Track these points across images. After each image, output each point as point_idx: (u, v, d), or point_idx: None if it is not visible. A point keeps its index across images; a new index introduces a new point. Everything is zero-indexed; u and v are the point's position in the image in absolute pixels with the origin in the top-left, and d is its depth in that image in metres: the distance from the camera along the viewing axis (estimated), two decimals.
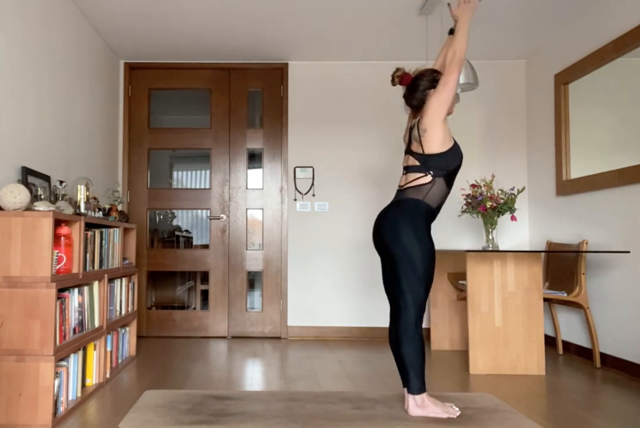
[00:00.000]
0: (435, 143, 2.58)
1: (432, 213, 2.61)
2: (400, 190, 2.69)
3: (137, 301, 4.42)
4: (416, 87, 2.67)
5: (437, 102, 2.55)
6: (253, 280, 4.99)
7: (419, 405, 2.55)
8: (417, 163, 2.63)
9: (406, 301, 2.54)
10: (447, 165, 2.61)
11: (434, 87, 2.62)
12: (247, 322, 4.89)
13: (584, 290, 3.69)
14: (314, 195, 4.91)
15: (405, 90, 2.73)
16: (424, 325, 4.81)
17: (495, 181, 4.93)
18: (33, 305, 2.43)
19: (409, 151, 2.70)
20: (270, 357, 4.00)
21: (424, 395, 2.56)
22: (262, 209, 4.96)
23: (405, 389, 2.58)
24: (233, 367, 3.66)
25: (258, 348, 4.38)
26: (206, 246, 4.98)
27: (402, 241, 2.54)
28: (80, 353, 2.90)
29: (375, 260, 4.89)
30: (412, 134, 2.68)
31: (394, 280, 2.58)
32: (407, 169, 2.68)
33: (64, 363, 2.68)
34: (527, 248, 4.89)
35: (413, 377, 2.53)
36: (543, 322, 3.48)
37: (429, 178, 2.60)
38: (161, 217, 5.05)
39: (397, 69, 2.70)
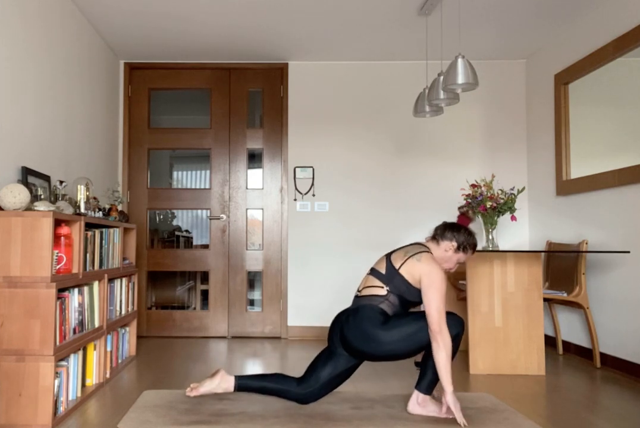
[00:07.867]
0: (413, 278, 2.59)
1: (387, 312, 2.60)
2: (357, 297, 2.69)
3: (137, 301, 4.43)
4: (443, 235, 2.67)
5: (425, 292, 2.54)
6: (253, 280, 4.99)
7: (419, 402, 2.60)
8: (383, 272, 2.63)
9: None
10: (407, 294, 2.60)
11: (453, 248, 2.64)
12: (247, 322, 4.89)
13: (584, 290, 3.69)
14: (314, 195, 4.91)
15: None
16: None
17: (495, 181, 4.93)
18: (33, 305, 2.43)
19: (386, 256, 2.70)
20: (270, 357, 4.00)
21: (429, 397, 2.62)
22: (262, 209, 4.96)
23: (415, 387, 2.63)
24: (233, 367, 3.66)
25: (258, 348, 4.38)
26: (206, 246, 4.98)
27: (370, 338, 2.54)
28: (80, 353, 2.90)
29: (374, 260, 4.88)
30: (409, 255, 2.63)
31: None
32: (372, 272, 2.70)
33: (64, 363, 2.69)
34: (527, 248, 4.89)
35: (431, 380, 2.58)
36: (543, 322, 3.48)
37: (384, 291, 2.60)
38: (161, 217, 5.05)
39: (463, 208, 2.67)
